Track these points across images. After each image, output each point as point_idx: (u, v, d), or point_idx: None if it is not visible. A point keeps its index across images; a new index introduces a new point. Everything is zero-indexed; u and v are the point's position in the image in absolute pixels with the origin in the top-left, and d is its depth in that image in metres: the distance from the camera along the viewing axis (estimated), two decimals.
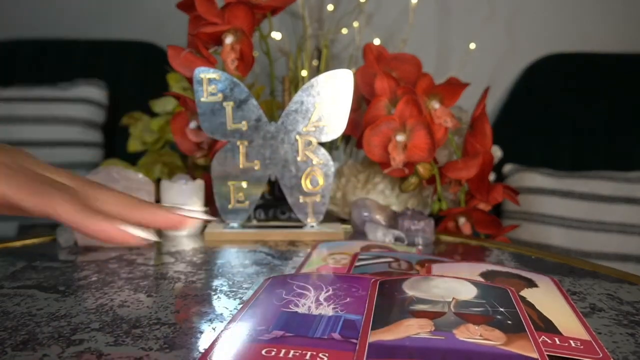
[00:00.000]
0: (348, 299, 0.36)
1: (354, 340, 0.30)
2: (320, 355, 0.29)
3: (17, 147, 0.34)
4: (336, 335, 0.31)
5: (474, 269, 0.44)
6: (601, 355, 0.30)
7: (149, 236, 0.31)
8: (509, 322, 0.33)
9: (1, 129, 1.11)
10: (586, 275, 0.47)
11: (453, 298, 0.36)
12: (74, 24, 1.31)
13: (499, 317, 0.33)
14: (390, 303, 0.32)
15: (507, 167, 1.11)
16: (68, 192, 0.31)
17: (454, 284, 0.39)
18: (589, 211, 1.03)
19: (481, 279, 0.42)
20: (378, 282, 0.39)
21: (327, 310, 0.34)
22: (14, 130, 1.12)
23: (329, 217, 0.69)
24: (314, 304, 0.35)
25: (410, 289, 0.37)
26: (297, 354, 0.29)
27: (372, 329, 0.32)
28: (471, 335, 0.31)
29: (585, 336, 0.33)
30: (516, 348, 0.30)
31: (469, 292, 0.37)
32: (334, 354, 0.29)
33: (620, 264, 0.98)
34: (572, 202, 1.04)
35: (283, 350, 0.29)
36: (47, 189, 0.30)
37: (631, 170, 1.04)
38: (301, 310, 0.34)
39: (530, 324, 0.33)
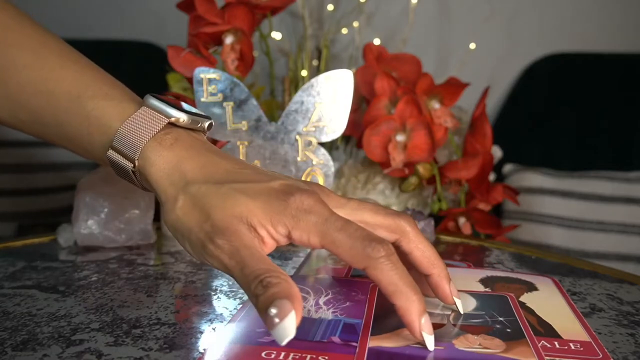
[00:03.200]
0: (348, 303, 0.36)
1: (354, 344, 0.30)
2: (319, 358, 0.29)
3: (317, 186, 0.35)
4: (336, 339, 0.31)
5: (474, 275, 0.44)
6: (601, 355, 0.30)
7: (430, 344, 0.31)
8: (508, 330, 0.33)
9: (1, 129, 1.11)
10: (586, 275, 0.47)
11: (452, 311, 0.36)
12: (74, 24, 1.31)
13: (498, 326, 0.34)
14: (390, 309, 0.32)
15: (507, 167, 1.11)
16: (389, 255, 0.30)
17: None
18: (589, 211, 1.02)
19: (481, 286, 0.42)
20: (377, 287, 0.39)
21: (327, 314, 0.34)
22: (14, 130, 1.12)
23: None
24: (314, 307, 0.35)
25: None
26: (297, 356, 0.29)
27: (371, 334, 0.32)
28: (470, 344, 0.31)
29: (585, 337, 0.33)
30: (515, 354, 0.30)
31: (468, 304, 0.37)
32: (334, 357, 0.29)
33: (620, 264, 0.98)
34: (572, 202, 1.04)
35: (283, 353, 0.29)
36: (366, 249, 0.30)
37: (631, 170, 1.04)
38: None
39: (530, 329, 0.33)
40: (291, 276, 0.43)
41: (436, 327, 0.33)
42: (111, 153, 0.36)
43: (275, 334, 0.26)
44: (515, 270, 0.49)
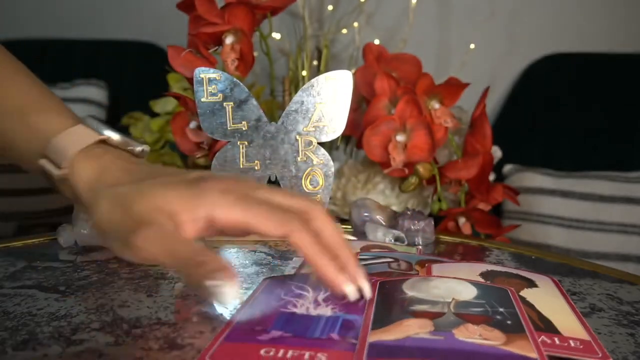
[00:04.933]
0: (346, 300, 0.36)
1: (353, 341, 0.30)
2: (318, 355, 0.29)
3: (243, 177, 0.38)
4: (334, 336, 0.31)
5: (474, 269, 0.44)
6: (600, 355, 0.30)
7: (367, 292, 0.34)
8: (509, 322, 0.33)
9: None
10: (586, 275, 0.47)
11: (453, 298, 0.36)
12: (74, 24, 1.31)
13: (498, 317, 0.33)
14: (390, 303, 0.32)
15: (507, 167, 1.11)
16: (305, 224, 0.33)
17: (454, 285, 0.39)
18: (589, 211, 1.02)
19: (481, 279, 0.42)
20: (378, 283, 0.39)
21: (326, 311, 0.34)
22: None
23: None
24: (313, 304, 0.35)
25: (410, 290, 0.37)
26: (296, 354, 0.29)
27: (372, 329, 0.32)
28: (470, 335, 0.31)
29: (584, 336, 0.33)
30: (515, 348, 0.30)
31: (468, 292, 0.37)
32: (333, 354, 0.29)
33: (620, 264, 0.98)
34: (572, 202, 1.04)
35: (282, 351, 0.29)
36: (285, 216, 0.32)
37: (631, 170, 1.04)
38: (299, 310, 0.34)
39: (530, 324, 0.33)
40: (292, 275, 0.43)
41: (436, 315, 0.33)
42: (43, 161, 0.38)
43: (218, 300, 0.29)
44: (515, 270, 0.49)
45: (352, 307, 0.35)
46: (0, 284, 0.42)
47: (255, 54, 0.64)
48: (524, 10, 1.22)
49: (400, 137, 0.64)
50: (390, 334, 0.31)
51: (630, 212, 1.00)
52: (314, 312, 0.34)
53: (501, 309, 0.35)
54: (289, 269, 0.47)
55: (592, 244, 1.02)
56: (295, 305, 0.35)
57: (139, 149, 0.39)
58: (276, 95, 0.78)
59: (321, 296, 0.37)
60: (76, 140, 0.38)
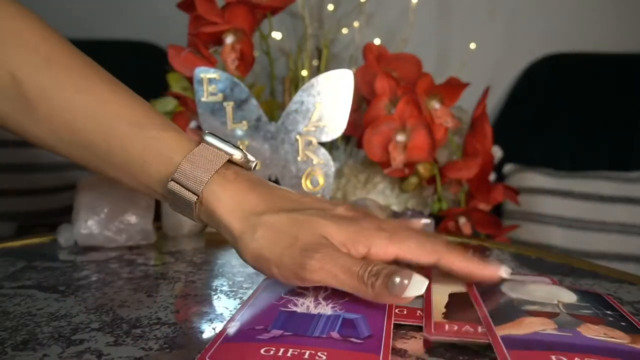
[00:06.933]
0: (347, 298, 0.36)
1: (353, 339, 0.30)
2: (319, 354, 0.29)
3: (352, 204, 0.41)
4: (335, 334, 0.31)
5: None
6: None
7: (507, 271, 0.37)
8: (623, 323, 0.33)
9: (1, 130, 1.11)
10: (586, 275, 0.47)
11: (558, 301, 0.36)
12: (74, 24, 1.31)
13: (610, 319, 0.33)
14: (497, 303, 0.33)
15: (507, 167, 1.11)
16: (448, 247, 0.37)
17: (551, 289, 0.39)
18: (589, 211, 1.02)
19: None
20: (473, 284, 0.39)
21: (326, 310, 0.34)
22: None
23: None
24: (313, 303, 0.35)
25: (512, 292, 0.37)
26: (296, 352, 0.29)
27: (495, 325, 0.32)
28: (595, 333, 0.31)
29: None
30: None
31: (569, 296, 0.37)
32: (333, 352, 0.29)
33: (620, 264, 0.98)
34: (572, 202, 1.04)
35: (282, 349, 0.29)
36: (434, 244, 0.37)
37: (631, 170, 1.04)
38: (300, 309, 0.34)
39: None
40: None
41: (552, 315, 0.33)
42: (173, 185, 0.37)
43: (409, 293, 0.32)
44: (516, 270, 0.49)
45: (353, 306, 0.35)
46: (0, 284, 0.42)
47: (255, 53, 0.64)
48: (524, 10, 1.22)
49: (400, 137, 0.64)
50: (516, 330, 0.31)
51: (630, 212, 1.00)
52: (314, 310, 0.34)
53: (609, 312, 0.34)
54: None
55: (592, 244, 1.02)
56: (295, 304, 0.35)
57: (253, 164, 0.40)
58: (276, 95, 0.78)
59: (322, 295, 0.37)
60: (208, 161, 0.37)
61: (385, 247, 0.36)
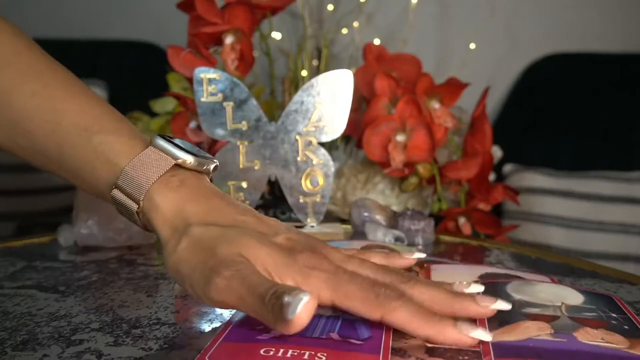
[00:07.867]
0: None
1: (353, 340, 0.30)
2: (318, 354, 0.29)
3: (314, 239, 0.35)
4: (334, 335, 0.31)
5: (473, 271, 0.44)
6: None
7: (486, 336, 0.29)
8: (626, 327, 0.32)
9: None
10: (586, 275, 0.47)
11: (562, 303, 0.35)
12: (74, 23, 1.31)
13: (613, 322, 0.33)
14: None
15: (507, 167, 1.11)
16: (401, 298, 0.30)
17: (558, 290, 0.38)
18: (589, 211, 1.02)
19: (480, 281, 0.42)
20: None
21: (326, 311, 0.34)
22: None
23: (329, 217, 0.69)
24: None
25: (516, 293, 0.37)
26: (296, 353, 0.29)
27: (491, 329, 0.31)
28: (592, 338, 0.30)
29: None
30: None
31: (575, 298, 0.37)
32: (332, 353, 0.29)
33: (620, 264, 0.98)
34: (572, 202, 1.04)
35: (281, 350, 0.29)
36: (379, 297, 0.30)
37: (631, 170, 1.04)
38: None
39: None
40: None
41: (551, 319, 0.33)
42: (116, 192, 0.35)
43: (291, 311, 0.27)
44: (515, 270, 0.49)
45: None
46: (0, 284, 0.42)
47: (255, 54, 0.64)
48: (524, 10, 1.22)
49: (400, 137, 0.64)
50: (511, 335, 0.31)
51: (630, 212, 1.00)
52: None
53: (614, 315, 0.34)
54: None
55: (592, 244, 1.02)
56: None
57: (212, 166, 0.37)
58: (276, 95, 0.78)
59: None
60: (151, 167, 0.35)
61: (318, 291, 0.30)
